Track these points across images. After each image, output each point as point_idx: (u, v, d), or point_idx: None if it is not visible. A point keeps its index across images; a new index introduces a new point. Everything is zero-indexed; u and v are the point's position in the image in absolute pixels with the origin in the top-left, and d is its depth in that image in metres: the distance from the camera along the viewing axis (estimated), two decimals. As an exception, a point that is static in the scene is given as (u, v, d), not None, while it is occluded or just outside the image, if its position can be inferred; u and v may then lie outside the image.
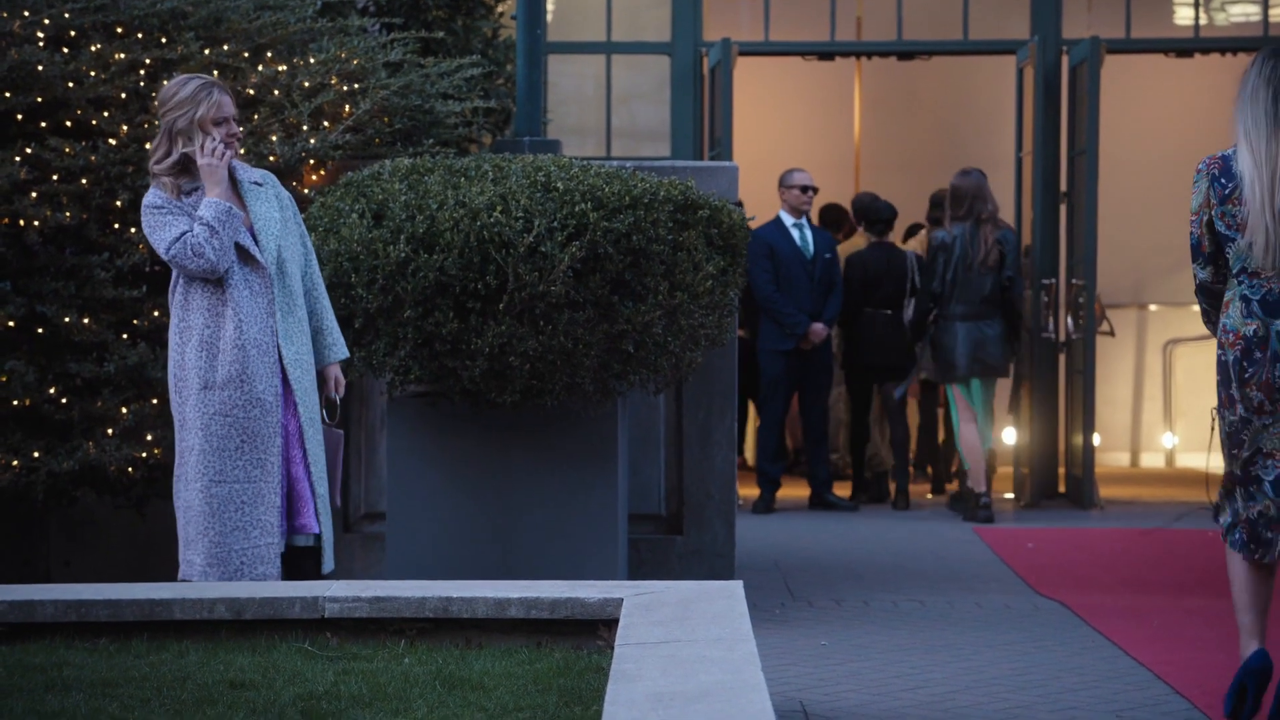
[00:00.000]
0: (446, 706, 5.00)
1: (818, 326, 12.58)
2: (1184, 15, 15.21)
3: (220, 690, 5.17)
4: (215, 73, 8.48)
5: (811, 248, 12.69)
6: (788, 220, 12.73)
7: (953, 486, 13.33)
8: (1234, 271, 6.14)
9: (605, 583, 6.31)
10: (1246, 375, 6.09)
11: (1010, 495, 13.56)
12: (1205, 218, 6.15)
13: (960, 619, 8.59)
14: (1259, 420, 6.08)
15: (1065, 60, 13.52)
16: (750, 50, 13.97)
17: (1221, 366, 6.16)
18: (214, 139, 6.80)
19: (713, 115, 13.64)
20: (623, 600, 5.68)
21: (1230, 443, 6.17)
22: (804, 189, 12.72)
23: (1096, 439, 13.12)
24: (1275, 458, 6.09)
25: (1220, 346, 6.17)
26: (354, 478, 8.87)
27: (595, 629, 5.75)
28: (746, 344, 13.04)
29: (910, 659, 7.60)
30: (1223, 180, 6.11)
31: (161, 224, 6.79)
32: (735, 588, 5.82)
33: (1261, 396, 6.06)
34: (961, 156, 16.48)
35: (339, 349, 7.16)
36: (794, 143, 16.34)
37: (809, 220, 12.85)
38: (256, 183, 6.99)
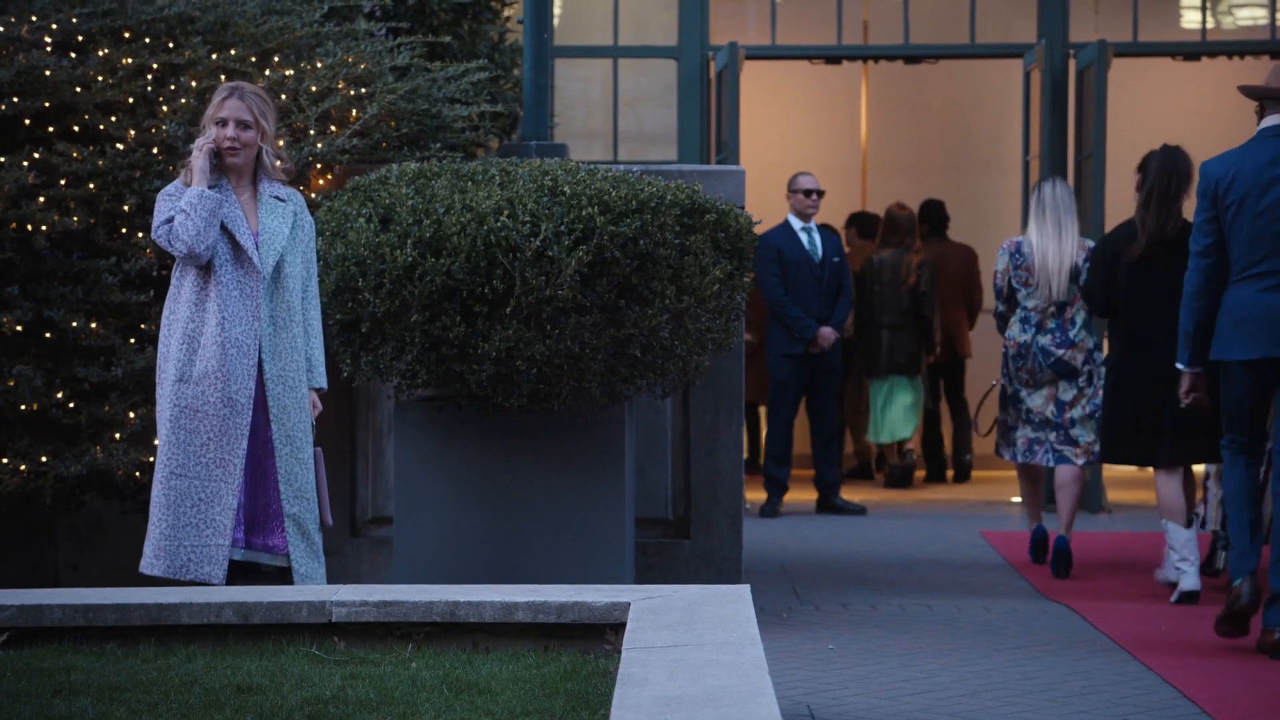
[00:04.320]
0: (454, 711, 5.00)
1: (826, 330, 12.56)
2: (1191, 18, 15.19)
3: (227, 694, 5.17)
4: (223, 77, 8.48)
5: (820, 251, 12.67)
6: (796, 224, 12.71)
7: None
8: (1019, 305, 10.11)
9: (612, 587, 6.31)
10: (1017, 366, 10.11)
11: (1017, 499, 13.55)
12: (1008, 277, 10.07)
13: (968, 623, 8.58)
14: (1024, 391, 10.12)
15: (1072, 63, 13.50)
16: (757, 54, 13.97)
17: (1004, 360, 10.17)
18: (207, 135, 7.14)
19: (719, 119, 13.64)
20: (630, 604, 5.68)
21: (1008, 403, 10.19)
22: (807, 192, 12.69)
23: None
24: (1034, 412, 10.08)
25: (1005, 348, 10.16)
26: (361, 482, 8.87)
27: (602, 633, 5.75)
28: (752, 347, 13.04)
29: (918, 663, 7.59)
30: (1017, 255, 10.07)
31: (161, 209, 7.12)
32: (742, 591, 5.82)
33: (1027, 376, 10.09)
34: (968, 160, 16.50)
35: (317, 377, 7.32)
36: (801, 146, 16.33)
37: (817, 224, 12.84)
38: (278, 198, 7.19)
